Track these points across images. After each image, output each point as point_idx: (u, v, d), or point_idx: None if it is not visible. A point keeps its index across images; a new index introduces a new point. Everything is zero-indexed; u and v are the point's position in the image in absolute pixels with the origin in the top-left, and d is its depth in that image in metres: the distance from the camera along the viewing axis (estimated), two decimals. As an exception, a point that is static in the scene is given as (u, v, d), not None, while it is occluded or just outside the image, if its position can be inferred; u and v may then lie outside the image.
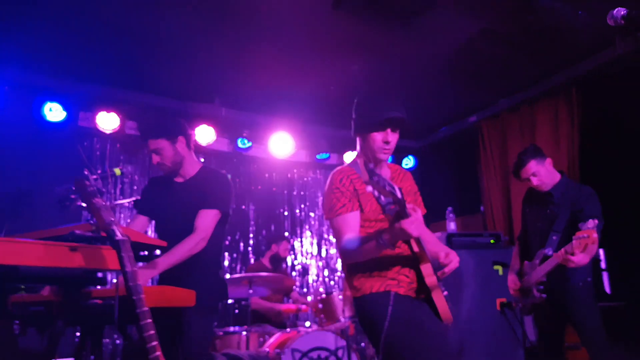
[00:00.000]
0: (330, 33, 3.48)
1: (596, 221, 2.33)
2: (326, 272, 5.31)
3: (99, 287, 1.74)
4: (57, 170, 3.41)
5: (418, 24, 3.36)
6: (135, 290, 1.22)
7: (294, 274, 5.09)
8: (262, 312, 4.01)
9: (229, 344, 3.34)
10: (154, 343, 1.19)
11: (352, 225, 1.72)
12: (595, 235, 2.28)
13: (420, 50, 3.74)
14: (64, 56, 3.65)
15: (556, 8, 3.21)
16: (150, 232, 3.09)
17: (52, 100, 3.91)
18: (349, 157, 4.96)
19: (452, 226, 4.17)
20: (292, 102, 4.38)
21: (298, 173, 5.38)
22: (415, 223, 1.49)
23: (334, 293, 3.57)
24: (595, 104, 3.87)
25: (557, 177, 2.74)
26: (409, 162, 5.38)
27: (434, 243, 1.86)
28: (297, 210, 5.31)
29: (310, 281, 5.22)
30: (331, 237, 5.30)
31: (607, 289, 3.91)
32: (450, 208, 4.26)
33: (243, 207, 5.00)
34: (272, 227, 5.08)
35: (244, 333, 3.26)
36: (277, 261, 4.34)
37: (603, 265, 3.93)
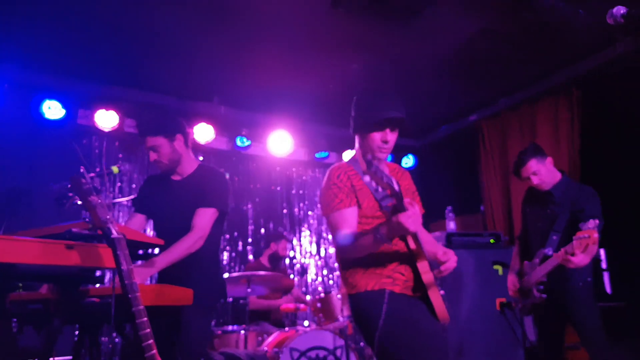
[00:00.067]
0: (330, 32, 3.48)
1: (597, 221, 2.32)
2: (325, 272, 5.30)
3: (98, 285, 1.73)
4: (56, 168, 3.41)
5: (418, 23, 3.35)
6: (131, 289, 1.21)
7: (292, 276, 5.08)
8: (261, 311, 4.00)
9: (227, 343, 3.33)
10: (150, 341, 1.18)
11: (350, 221, 1.71)
12: (596, 235, 2.27)
13: (420, 49, 3.74)
14: (63, 54, 3.65)
15: (556, 7, 3.20)
16: (150, 231, 3.08)
17: (51, 98, 3.90)
18: (348, 155, 4.93)
19: (451, 226, 4.17)
20: (291, 101, 4.37)
21: (297, 172, 5.38)
22: (412, 217, 1.48)
23: (333, 292, 3.57)
24: (595, 103, 3.87)
25: (558, 176, 2.73)
26: (408, 161, 5.37)
27: (431, 243, 1.85)
28: (296, 209, 5.31)
29: (309, 280, 5.21)
30: (330, 236, 5.29)
31: (608, 289, 3.90)
32: (449, 207, 4.25)
33: (242, 205, 5.00)
34: (271, 226, 5.08)
35: (243, 332, 3.25)
36: (276, 260, 4.33)
37: (604, 265, 3.92)
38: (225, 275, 3.81)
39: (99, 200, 1.30)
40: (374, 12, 3.23)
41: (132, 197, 2.41)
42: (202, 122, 4.40)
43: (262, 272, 3.41)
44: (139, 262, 2.01)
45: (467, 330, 3.63)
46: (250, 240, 4.97)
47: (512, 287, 2.78)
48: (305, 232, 5.31)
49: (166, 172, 2.31)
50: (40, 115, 3.87)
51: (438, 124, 5.21)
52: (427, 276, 1.67)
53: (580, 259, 2.31)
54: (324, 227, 5.38)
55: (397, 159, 5.34)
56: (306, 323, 3.62)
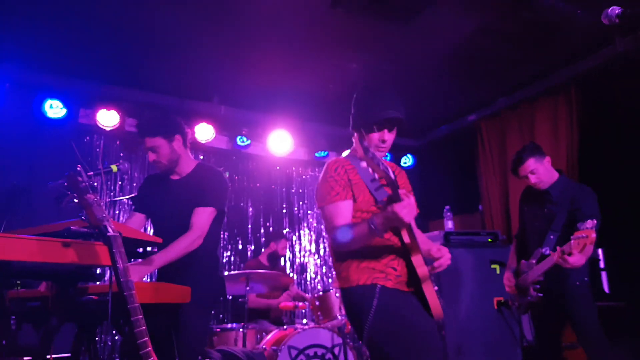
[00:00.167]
0: (330, 31, 3.48)
1: (595, 221, 2.31)
2: (324, 269, 5.32)
3: (98, 282, 1.75)
4: (57, 167, 3.42)
5: (417, 22, 3.36)
6: (126, 286, 1.23)
7: (291, 274, 5.09)
8: (260, 310, 4.01)
9: (226, 341, 3.35)
10: (145, 339, 1.20)
11: (345, 214, 1.71)
12: (594, 235, 2.26)
13: (419, 48, 3.74)
14: (65, 54, 3.67)
15: (556, 6, 3.20)
16: (150, 230, 3.10)
17: (52, 97, 3.93)
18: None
19: (449, 225, 4.18)
20: (291, 100, 4.38)
21: (297, 171, 5.39)
22: (407, 207, 1.47)
23: (331, 290, 3.58)
24: (594, 102, 3.86)
25: (556, 175, 2.73)
26: (407, 160, 5.38)
27: (425, 242, 1.85)
28: (296, 208, 5.32)
29: (308, 279, 5.23)
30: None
31: (606, 288, 3.90)
32: (447, 207, 4.26)
33: (242, 204, 5.01)
34: (271, 225, 5.10)
35: (241, 330, 3.27)
36: (275, 259, 4.35)
37: (602, 264, 3.92)
38: (225, 273, 3.83)
39: (95, 199, 1.32)
40: (373, 11, 3.24)
41: (132, 195, 2.43)
42: (202, 121, 4.42)
43: (261, 271, 3.43)
44: (139, 260, 2.02)
45: (465, 329, 3.64)
46: (250, 238, 4.99)
47: (508, 282, 2.78)
48: (305, 231, 5.33)
49: (165, 172, 2.33)
50: (42, 114, 3.90)
51: (437, 124, 5.22)
52: (421, 269, 1.66)
53: (577, 259, 2.31)
54: (323, 226, 5.39)
55: (396, 159, 5.34)
56: (305, 321, 3.63)
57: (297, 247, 5.24)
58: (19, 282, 1.60)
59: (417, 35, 3.55)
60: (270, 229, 5.06)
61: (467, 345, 3.61)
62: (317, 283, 5.22)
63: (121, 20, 3.28)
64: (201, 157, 4.85)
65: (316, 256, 5.32)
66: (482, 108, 4.77)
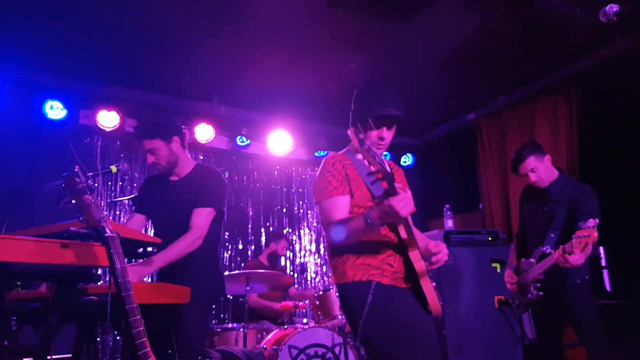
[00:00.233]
0: (329, 31, 3.48)
1: (597, 220, 2.30)
2: (324, 269, 5.32)
3: (100, 282, 1.75)
4: (57, 168, 3.42)
5: (417, 22, 3.36)
6: (124, 287, 1.23)
7: (291, 273, 5.10)
8: (260, 311, 4.02)
9: (227, 340, 3.36)
10: (143, 339, 1.20)
11: (341, 209, 1.70)
12: (596, 234, 2.24)
13: (419, 48, 3.74)
14: (65, 54, 3.68)
15: (555, 5, 3.20)
16: (151, 231, 3.10)
17: (53, 98, 3.94)
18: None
19: (449, 223, 4.17)
20: (290, 100, 4.39)
21: (297, 171, 5.40)
22: (404, 201, 1.44)
23: (332, 290, 3.58)
24: (594, 101, 3.86)
25: (555, 173, 2.72)
26: (407, 159, 5.38)
27: (422, 239, 1.84)
28: (296, 208, 5.33)
29: (308, 278, 5.23)
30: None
31: (608, 286, 3.90)
32: (447, 205, 4.26)
33: (242, 204, 5.02)
34: (271, 225, 5.10)
35: (242, 329, 3.27)
36: (275, 259, 4.36)
37: (603, 262, 3.91)
38: (225, 273, 3.83)
39: (93, 199, 1.32)
40: (373, 11, 3.24)
41: (132, 196, 2.44)
42: (202, 121, 4.43)
43: (261, 270, 3.43)
44: (139, 260, 2.03)
45: (465, 327, 3.64)
46: (250, 238, 5.00)
47: (510, 279, 2.78)
48: (305, 231, 5.34)
49: (164, 173, 2.33)
50: (43, 115, 3.91)
51: (437, 123, 5.21)
52: (419, 265, 1.65)
53: (577, 258, 2.29)
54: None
55: (396, 158, 5.35)
56: (305, 321, 3.64)
57: (297, 247, 5.25)
58: (19, 283, 1.61)
59: (417, 35, 3.55)
60: (271, 228, 5.07)
61: (467, 344, 3.61)
62: (318, 283, 5.23)
63: (121, 20, 3.28)
64: (201, 157, 4.86)
65: (316, 256, 5.32)
66: (482, 107, 4.77)
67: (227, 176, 4.85)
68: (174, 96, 4.38)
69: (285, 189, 5.30)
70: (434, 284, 1.69)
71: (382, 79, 4.09)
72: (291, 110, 4.58)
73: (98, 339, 1.90)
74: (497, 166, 4.66)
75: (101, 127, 4.12)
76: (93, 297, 1.68)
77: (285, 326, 3.45)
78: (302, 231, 5.32)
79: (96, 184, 1.43)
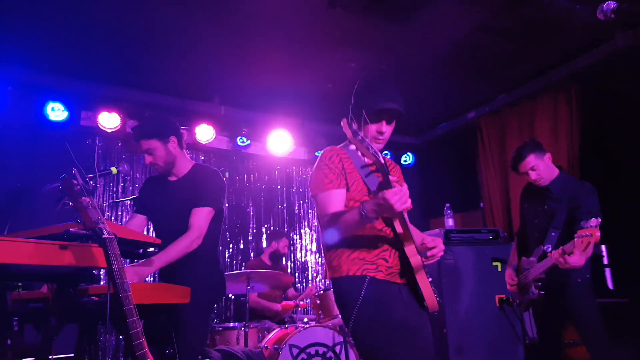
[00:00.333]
0: (328, 31, 3.48)
1: (599, 219, 2.28)
2: (325, 268, 5.32)
3: (102, 283, 1.76)
4: (59, 169, 3.44)
5: (416, 20, 3.35)
6: (122, 288, 1.24)
7: (295, 273, 5.11)
8: (260, 311, 4.03)
9: (227, 340, 3.36)
10: (141, 340, 1.21)
11: (337, 202, 1.69)
12: (598, 234, 2.22)
13: (418, 46, 3.73)
14: (66, 56, 3.69)
15: (555, 2, 3.19)
16: (152, 232, 3.11)
17: (54, 100, 3.95)
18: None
19: (450, 222, 4.17)
20: (290, 100, 4.39)
21: (297, 170, 5.41)
22: (399, 195, 1.41)
23: (332, 289, 3.58)
24: (594, 99, 3.84)
25: (556, 172, 2.71)
26: (407, 158, 5.37)
27: (418, 235, 1.82)
28: (296, 207, 5.34)
29: (309, 277, 5.24)
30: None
31: (610, 285, 3.89)
32: (448, 204, 4.25)
33: (242, 204, 5.03)
34: (271, 224, 5.11)
35: (243, 329, 3.28)
36: (277, 258, 4.36)
37: (605, 261, 3.90)
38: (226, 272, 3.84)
39: (90, 201, 1.33)
40: (372, 10, 3.24)
41: (133, 197, 2.45)
42: (202, 121, 4.45)
43: (261, 270, 3.44)
44: (140, 261, 2.04)
45: (466, 326, 3.64)
46: (251, 238, 5.01)
47: (510, 280, 2.77)
48: (306, 230, 5.34)
49: (163, 174, 2.34)
50: (44, 117, 3.93)
51: (437, 122, 5.20)
52: (414, 259, 1.63)
53: (577, 260, 2.26)
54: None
55: (396, 157, 5.34)
56: (306, 320, 3.64)
57: (298, 246, 5.26)
58: (20, 283, 1.62)
59: (416, 34, 3.55)
60: (272, 228, 5.08)
61: (468, 343, 3.61)
62: (318, 282, 5.23)
63: (121, 20, 3.29)
64: (202, 158, 4.87)
65: (317, 255, 5.33)
66: (482, 106, 4.76)
67: (227, 176, 4.87)
68: (175, 97, 4.39)
69: (285, 189, 5.31)
70: (430, 279, 1.68)
71: (380, 80, 4.11)
72: (291, 110, 4.59)
73: (100, 339, 1.91)
74: (498, 165, 4.65)
75: (102, 128, 4.13)
76: (94, 297, 1.68)
77: (286, 325, 3.46)
78: (302, 230, 5.33)
79: (97, 185, 1.44)
